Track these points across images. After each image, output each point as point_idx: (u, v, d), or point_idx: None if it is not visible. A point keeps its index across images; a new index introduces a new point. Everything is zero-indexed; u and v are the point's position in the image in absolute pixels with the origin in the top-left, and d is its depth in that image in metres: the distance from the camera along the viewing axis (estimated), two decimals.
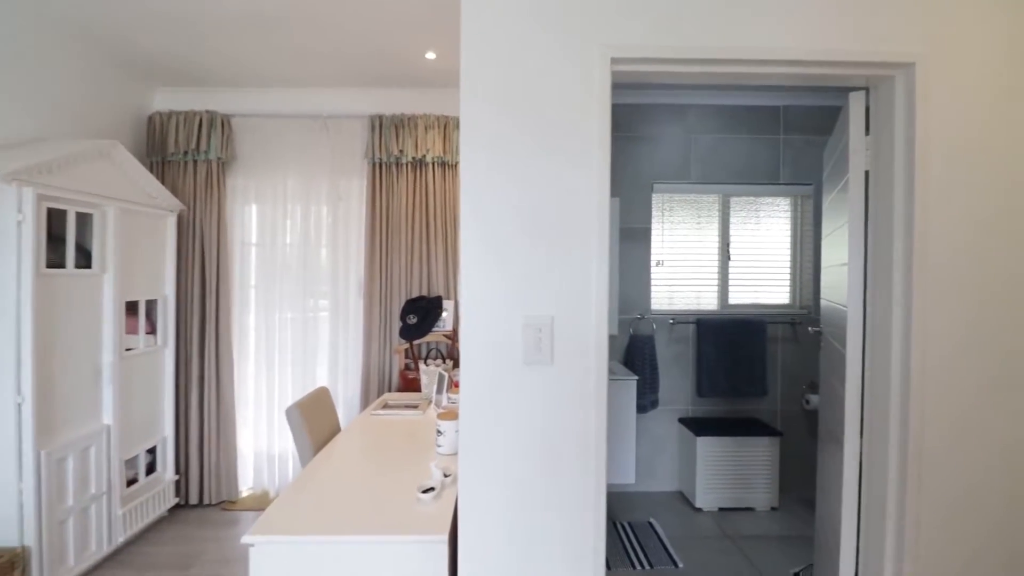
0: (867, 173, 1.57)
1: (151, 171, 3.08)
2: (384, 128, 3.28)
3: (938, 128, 1.39)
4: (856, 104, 1.58)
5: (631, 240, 3.35)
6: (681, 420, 3.35)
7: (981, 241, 1.42)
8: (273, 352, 3.35)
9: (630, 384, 2.91)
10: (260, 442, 3.34)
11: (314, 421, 2.15)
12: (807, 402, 3.37)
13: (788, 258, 3.52)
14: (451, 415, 1.84)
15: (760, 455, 3.14)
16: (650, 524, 2.91)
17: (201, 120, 3.16)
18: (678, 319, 3.37)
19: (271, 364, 3.35)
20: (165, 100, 3.26)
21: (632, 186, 3.35)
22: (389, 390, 3.27)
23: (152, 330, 2.85)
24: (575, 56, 1.35)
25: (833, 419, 1.87)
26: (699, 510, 3.13)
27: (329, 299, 3.36)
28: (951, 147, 1.40)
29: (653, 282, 3.40)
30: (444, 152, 3.27)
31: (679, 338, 3.40)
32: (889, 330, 1.46)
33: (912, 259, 1.39)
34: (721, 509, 3.14)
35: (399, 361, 3.23)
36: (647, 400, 3.23)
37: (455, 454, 1.77)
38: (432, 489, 1.52)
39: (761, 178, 3.41)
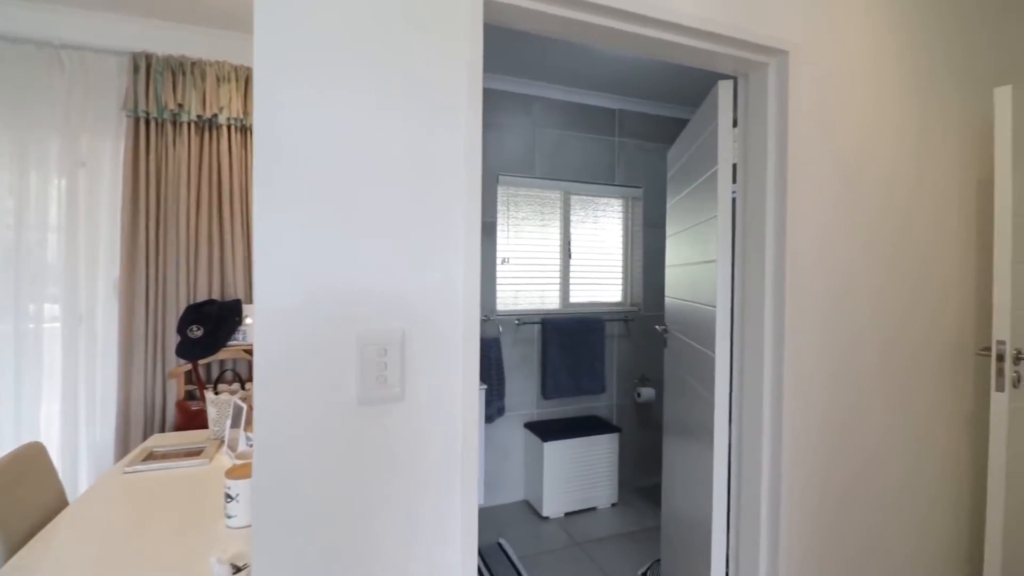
0: (734, 167, 1.50)
1: None
2: (154, 72, 2.43)
3: (809, 120, 1.36)
4: (725, 93, 1.49)
5: None
6: (527, 425, 3.19)
7: (833, 236, 1.43)
8: None
9: (479, 393, 2.62)
10: None
11: (7, 504, 1.36)
12: (638, 395, 3.51)
13: (620, 257, 3.63)
14: (247, 471, 1.30)
15: (601, 453, 3.14)
16: (499, 545, 2.66)
17: None
18: (524, 319, 3.21)
19: None
20: None
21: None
22: (163, 430, 2.43)
23: None
24: None
25: (688, 415, 1.82)
26: (546, 519, 2.99)
27: (61, 304, 2.37)
28: (822, 140, 1.37)
29: (499, 281, 3.17)
30: (245, 113, 2.55)
31: (524, 339, 3.24)
32: (761, 330, 1.39)
33: (784, 259, 1.33)
34: (567, 514, 3.06)
35: (177, 389, 2.42)
36: (494, 408, 2.99)
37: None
38: None
39: (599, 178, 3.44)
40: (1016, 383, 1.52)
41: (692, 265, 1.79)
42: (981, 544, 1.81)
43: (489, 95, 3.07)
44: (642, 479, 3.58)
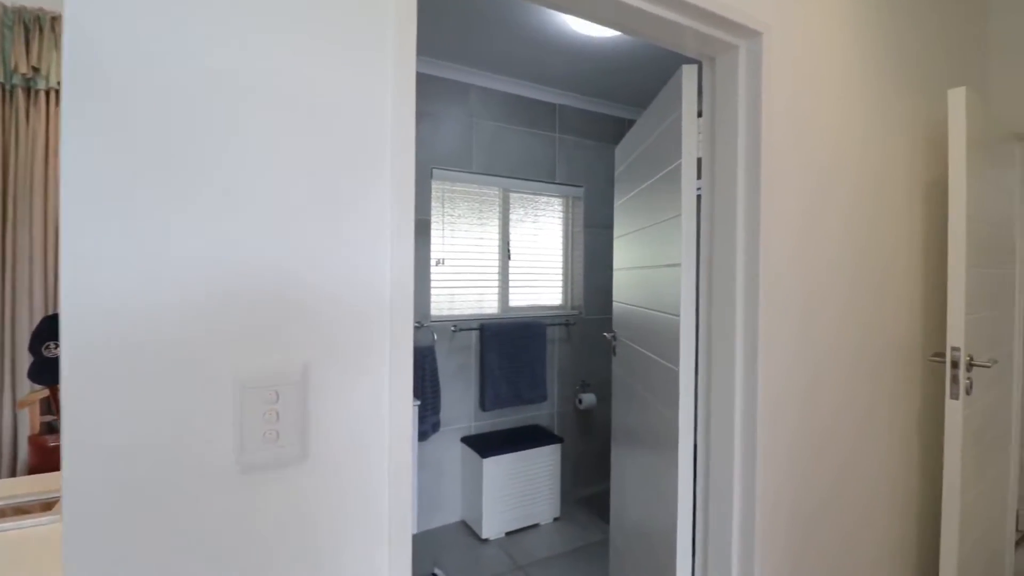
0: (699, 161, 1.36)
1: None
2: (1, 27, 1.93)
3: (784, 112, 1.23)
4: (689, 79, 1.35)
5: None
6: (465, 440, 2.96)
7: (806, 240, 1.32)
8: None
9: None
10: None
11: None
12: (580, 402, 3.38)
13: (561, 258, 3.48)
14: None
15: (544, 465, 2.97)
16: None
17: None
18: (460, 325, 2.96)
19: None
20: None
21: None
22: (13, 473, 1.95)
23: None
24: None
25: (642, 428, 1.67)
26: (485, 541, 2.77)
27: None
28: (798, 135, 1.25)
29: (433, 283, 2.90)
30: None
31: (461, 347, 3.00)
32: (732, 344, 1.25)
33: (758, 266, 1.19)
34: (508, 533, 2.85)
35: (31, 421, 1.95)
36: (428, 424, 2.72)
37: None
38: None
39: (539, 175, 3.27)
40: (968, 390, 1.50)
41: (647, 269, 1.64)
42: (931, 551, 1.81)
43: (422, 80, 2.80)
44: (583, 488, 3.45)
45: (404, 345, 0.76)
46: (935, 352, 1.66)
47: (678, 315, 1.36)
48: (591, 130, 3.45)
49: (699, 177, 1.36)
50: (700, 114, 1.35)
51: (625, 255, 1.95)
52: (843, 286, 1.43)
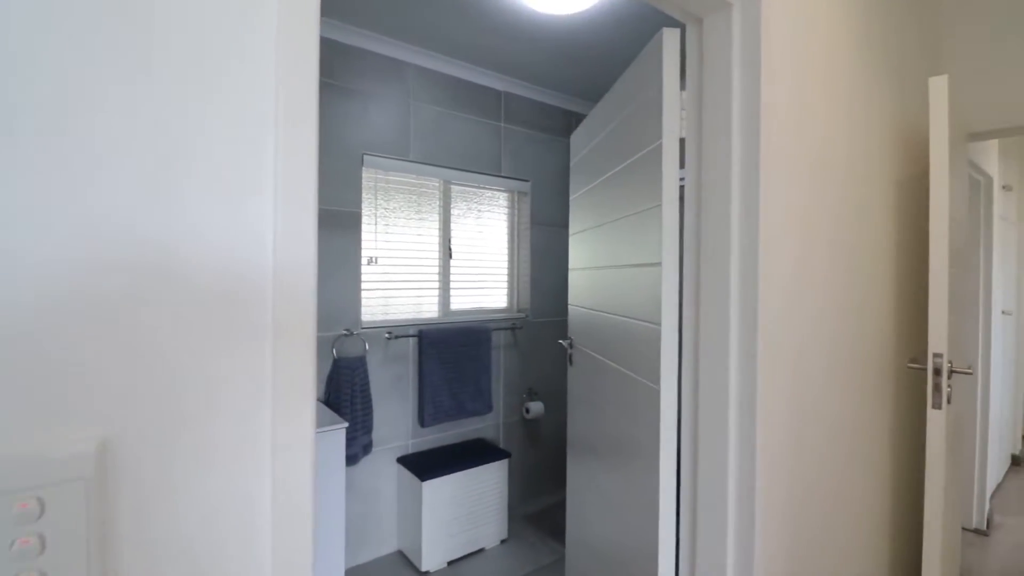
0: (682, 143, 1.16)
1: None
2: None
3: (785, 85, 1.05)
4: (671, 44, 1.14)
5: (333, 228, 2.43)
6: (401, 460, 2.64)
7: (807, 228, 1.16)
8: None
9: (336, 435, 2.01)
10: None
11: None
12: (527, 411, 3.16)
13: (506, 258, 3.25)
14: None
15: (490, 483, 2.71)
16: None
17: None
18: (396, 332, 2.64)
19: None
20: None
21: (335, 153, 2.43)
22: None
23: None
24: None
25: (607, 450, 1.47)
26: (426, 574, 2.48)
27: None
28: (800, 112, 1.08)
29: (364, 285, 2.56)
30: None
31: (397, 356, 2.67)
32: (724, 360, 1.05)
33: (757, 266, 1.00)
34: (451, 563, 2.57)
35: None
36: (359, 447, 2.38)
37: None
38: None
39: (483, 167, 3.01)
40: (949, 398, 1.40)
41: (615, 269, 1.43)
42: (908, 566, 1.73)
43: (350, 53, 2.46)
44: (531, 504, 3.23)
45: (301, 379, 0.48)
46: (911, 359, 1.58)
47: (658, 323, 1.16)
48: (539, 121, 3.24)
49: (682, 164, 1.16)
50: (684, 87, 1.15)
51: (584, 253, 1.74)
52: (839, 289, 1.29)
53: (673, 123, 1.14)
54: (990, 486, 2.96)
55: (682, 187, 1.16)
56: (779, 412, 1.07)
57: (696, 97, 1.11)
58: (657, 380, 1.16)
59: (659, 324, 1.15)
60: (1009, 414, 3.61)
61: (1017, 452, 3.79)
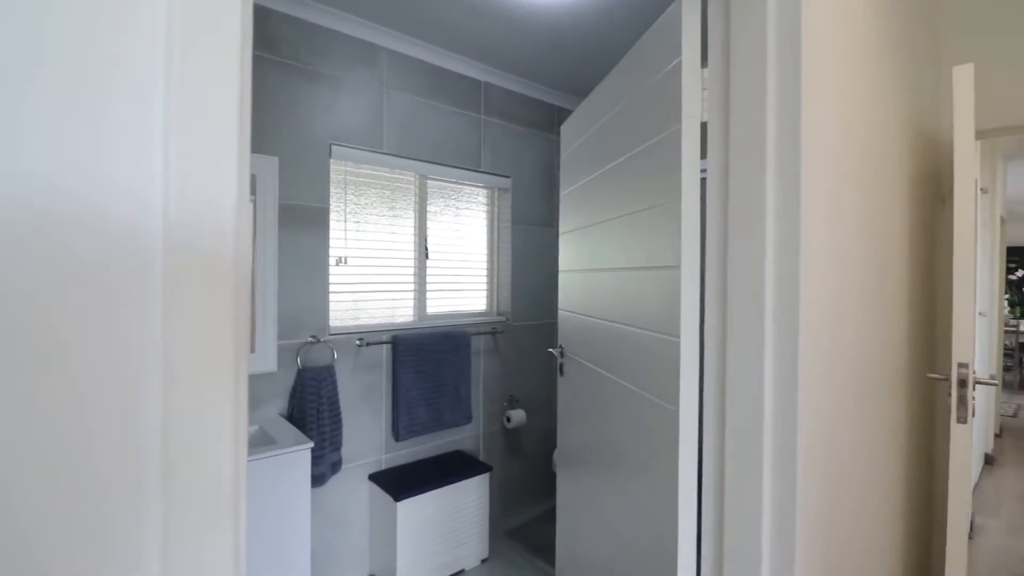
0: (704, 128, 1.01)
1: None
2: None
3: (830, 57, 0.91)
4: (691, 12, 0.99)
5: (298, 225, 2.21)
6: (374, 478, 2.43)
7: (839, 227, 1.03)
8: None
9: (301, 456, 1.80)
10: None
11: None
12: (508, 420, 2.99)
13: (485, 258, 3.07)
14: None
15: (470, 500, 2.53)
16: None
17: None
18: (368, 338, 2.43)
19: None
20: None
21: (298, 142, 2.20)
22: None
23: None
24: None
25: (598, 456, 1.32)
26: None
27: None
28: (839, 91, 0.94)
29: (333, 288, 2.35)
30: None
31: (369, 364, 2.47)
32: (759, 380, 0.91)
33: (798, 274, 0.86)
34: None
35: None
36: (326, 465, 2.17)
37: None
38: None
39: (462, 161, 2.82)
40: (974, 411, 1.30)
41: (618, 271, 1.28)
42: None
43: (318, 33, 2.24)
44: (513, 518, 3.07)
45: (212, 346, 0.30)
46: (931, 369, 1.48)
47: (676, 335, 1.01)
48: (522, 115, 3.08)
49: (703, 156, 1.01)
50: (705, 62, 1.00)
51: (579, 254, 1.58)
52: (861, 298, 1.17)
53: (694, 105, 1.00)
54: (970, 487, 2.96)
55: (703, 179, 1.01)
56: (817, 446, 0.94)
57: (722, 74, 0.97)
58: (675, 400, 1.01)
59: (677, 336, 1.00)
60: (983, 413, 3.65)
61: (990, 451, 3.84)
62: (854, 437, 1.15)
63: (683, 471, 1.01)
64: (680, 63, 1.00)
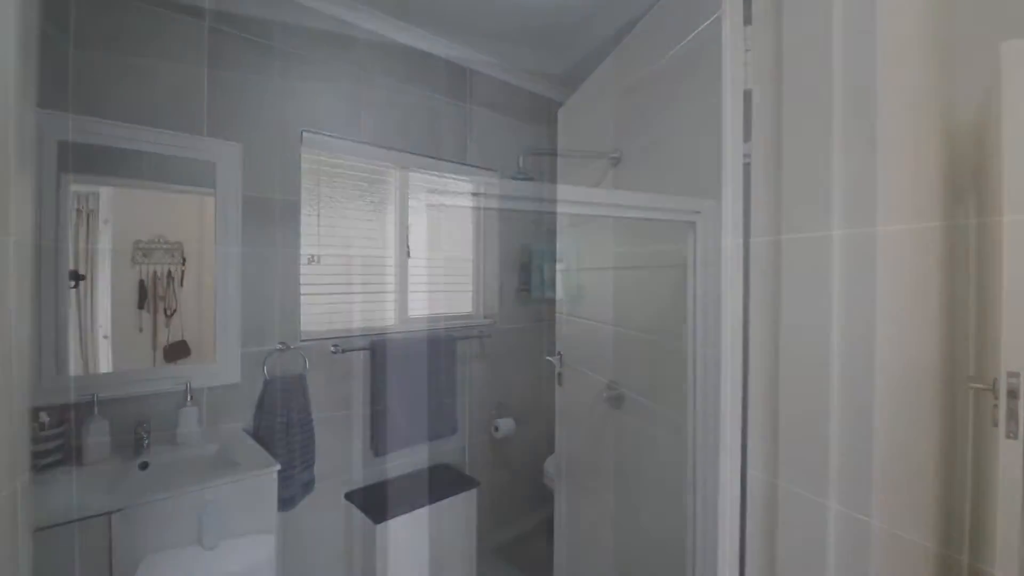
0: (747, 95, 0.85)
1: None
2: None
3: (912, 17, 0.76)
4: None
5: (265, 220, 1.98)
6: (350, 497, 2.22)
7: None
8: None
9: (266, 480, 1.59)
10: None
11: None
12: (496, 429, 2.81)
13: (471, 256, 2.89)
14: None
15: (456, 519, 2.34)
16: None
17: None
18: (344, 344, 2.22)
19: None
20: None
21: (266, 128, 1.98)
22: None
23: None
24: None
25: (610, 480, 1.15)
26: None
27: None
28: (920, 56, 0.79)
29: (304, 289, 2.13)
30: None
31: (345, 373, 2.25)
32: (825, 413, 0.75)
33: (876, 255, 0.71)
34: None
35: None
36: (297, 487, 1.96)
37: None
38: None
39: (447, 153, 2.63)
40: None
41: (636, 270, 1.11)
42: None
43: (290, 9, 2.02)
44: (500, 533, 2.88)
45: None
46: (971, 377, 1.35)
47: (714, 346, 0.84)
48: (507, 105, 2.90)
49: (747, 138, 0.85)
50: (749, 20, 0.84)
51: (585, 250, 1.41)
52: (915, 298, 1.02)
53: (735, 71, 0.83)
54: None
55: (746, 164, 0.85)
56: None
57: (774, 36, 0.80)
58: (714, 427, 0.84)
59: (716, 347, 0.84)
60: None
61: None
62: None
63: (724, 481, 0.84)
64: (721, 17, 0.83)
